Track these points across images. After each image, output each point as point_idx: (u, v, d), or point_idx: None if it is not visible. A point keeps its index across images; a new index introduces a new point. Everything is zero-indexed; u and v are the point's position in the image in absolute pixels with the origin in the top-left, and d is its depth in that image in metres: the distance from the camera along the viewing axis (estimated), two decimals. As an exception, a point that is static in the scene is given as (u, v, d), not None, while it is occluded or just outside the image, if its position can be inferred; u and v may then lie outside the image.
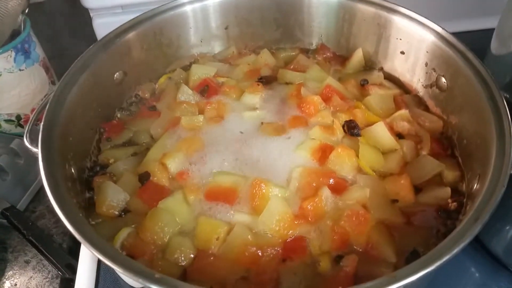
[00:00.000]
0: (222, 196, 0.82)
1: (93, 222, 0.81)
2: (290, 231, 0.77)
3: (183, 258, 0.74)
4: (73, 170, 0.83)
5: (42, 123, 0.78)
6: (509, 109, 0.76)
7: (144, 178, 0.86)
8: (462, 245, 0.58)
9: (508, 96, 0.81)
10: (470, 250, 0.91)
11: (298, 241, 0.76)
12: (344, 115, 0.95)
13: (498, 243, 0.88)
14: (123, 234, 0.77)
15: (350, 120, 0.93)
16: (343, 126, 0.93)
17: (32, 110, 1.21)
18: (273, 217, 0.77)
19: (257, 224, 0.78)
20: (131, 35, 1.01)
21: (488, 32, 1.08)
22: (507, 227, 0.85)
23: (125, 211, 0.83)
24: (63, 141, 0.81)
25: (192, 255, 0.75)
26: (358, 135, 0.91)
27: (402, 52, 1.04)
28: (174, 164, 0.87)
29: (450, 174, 0.85)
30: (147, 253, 0.75)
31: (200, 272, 0.73)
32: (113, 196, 0.83)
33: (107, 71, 0.99)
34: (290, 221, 0.77)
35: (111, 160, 0.93)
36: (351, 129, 0.92)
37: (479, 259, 0.90)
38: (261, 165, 0.88)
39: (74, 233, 0.63)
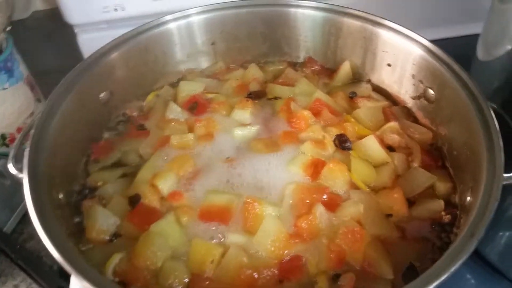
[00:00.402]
0: (217, 216, 0.81)
1: (83, 248, 0.79)
2: (286, 251, 0.76)
3: (177, 283, 0.73)
4: (60, 196, 0.81)
5: (28, 148, 0.76)
6: (497, 119, 0.76)
7: (134, 200, 0.84)
8: (459, 262, 0.59)
9: (496, 106, 0.81)
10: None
11: (295, 260, 0.75)
12: (334, 129, 0.94)
13: (492, 250, 0.87)
14: (115, 259, 0.75)
15: (341, 134, 0.93)
16: (334, 141, 0.92)
17: (17, 129, 1.18)
18: (268, 237, 0.76)
19: (252, 245, 0.76)
20: (115, 54, 0.99)
21: (475, 38, 1.10)
22: (500, 233, 0.85)
23: (116, 235, 0.81)
24: (50, 166, 0.79)
25: (186, 280, 0.73)
26: (350, 149, 0.91)
27: (389, 65, 1.04)
28: (165, 185, 0.85)
29: (442, 186, 0.86)
30: (140, 279, 0.73)
31: (195, 297, 0.72)
32: (103, 221, 0.81)
33: (93, 91, 0.97)
34: (285, 241, 0.76)
35: (100, 183, 0.90)
36: (342, 143, 0.92)
37: (474, 266, 0.90)
38: (253, 182, 0.87)
39: (63, 265, 0.61)
